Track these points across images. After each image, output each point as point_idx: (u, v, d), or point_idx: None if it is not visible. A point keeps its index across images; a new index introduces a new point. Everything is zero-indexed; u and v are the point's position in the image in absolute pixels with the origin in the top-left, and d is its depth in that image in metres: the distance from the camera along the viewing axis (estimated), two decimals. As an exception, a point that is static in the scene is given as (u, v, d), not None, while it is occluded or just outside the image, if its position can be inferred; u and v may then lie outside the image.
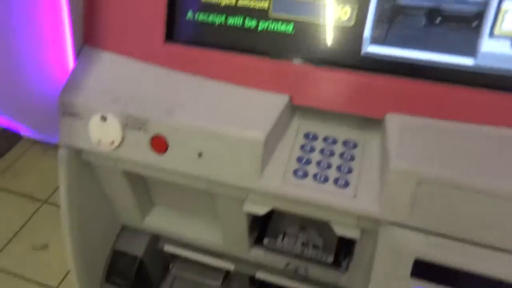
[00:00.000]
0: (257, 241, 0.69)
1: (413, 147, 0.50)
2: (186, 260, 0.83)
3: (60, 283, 1.36)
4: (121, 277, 0.76)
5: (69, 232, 0.68)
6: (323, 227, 0.69)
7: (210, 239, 0.73)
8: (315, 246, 0.66)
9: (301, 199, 0.54)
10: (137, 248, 0.77)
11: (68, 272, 1.42)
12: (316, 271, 0.68)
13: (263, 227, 0.70)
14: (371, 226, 0.54)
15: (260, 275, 0.76)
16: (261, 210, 0.58)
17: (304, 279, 0.74)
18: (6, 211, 1.57)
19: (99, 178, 0.70)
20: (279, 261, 0.69)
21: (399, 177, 0.49)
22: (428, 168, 0.48)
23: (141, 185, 0.72)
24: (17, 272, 1.38)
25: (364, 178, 0.54)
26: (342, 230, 0.55)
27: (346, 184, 0.53)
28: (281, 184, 0.54)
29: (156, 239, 0.81)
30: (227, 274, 0.83)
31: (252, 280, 0.82)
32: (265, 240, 0.68)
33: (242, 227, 0.65)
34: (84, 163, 0.66)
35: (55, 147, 1.81)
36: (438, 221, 0.49)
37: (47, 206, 1.59)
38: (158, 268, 0.86)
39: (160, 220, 0.75)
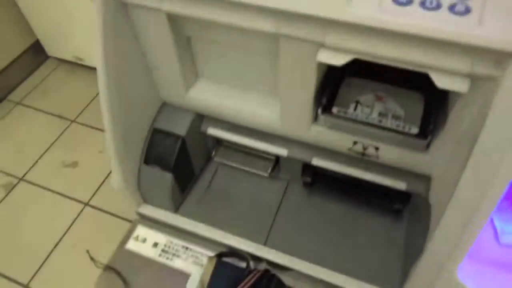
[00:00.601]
0: (323, 111, 0.58)
1: None
2: (230, 148, 0.75)
3: (90, 199, 1.35)
4: (162, 158, 0.68)
5: (106, 103, 0.59)
6: (405, 95, 0.58)
7: (263, 116, 0.62)
8: (395, 117, 0.56)
9: (404, 31, 0.41)
10: (179, 127, 0.68)
11: (98, 188, 1.40)
12: (389, 151, 0.57)
13: (329, 99, 0.58)
14: (491, 72, 0.41)
15: (317, 161, 0.66)
16: (341, 58, 0.47)
17: (370, 165, 0.65)
18: (35, 129, 1.55)
19: (139, 33, 0.60)
20: (345, 139, 0.59)
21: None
22: None
23: (186, 48, 0.61)
24: (48, 186, 1.38)
25: (491, 3, 0.40)
26: (446, 80, 0.43)
27: (467, 10, 0.41)
28: (377, 12, 0.41)
29: (199, 120, 0.72)
30: (275, 163, 0.75)
31: (305, 169, 0.73)
32: (334, 109, 0.57)
33: (306, 92, 0.54)
34: (122, 5, 0.55)
35: (81, 66, 1.75)
36: None
37: (76, 125, 1.56)
38: (200, 155, 0.78)
39: (205, 95, 0.65)
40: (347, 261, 0.67)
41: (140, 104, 0.66)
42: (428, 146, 0.55)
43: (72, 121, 1.59)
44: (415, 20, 0.41)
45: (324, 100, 0.55)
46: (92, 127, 1.56)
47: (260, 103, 0.63)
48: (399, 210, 0.67)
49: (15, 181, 1.41)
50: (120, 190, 0.68)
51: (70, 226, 1.30)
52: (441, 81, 0.44)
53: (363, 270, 0.65)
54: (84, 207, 1.34)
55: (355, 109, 0.56)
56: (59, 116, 1.61)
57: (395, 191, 0.68)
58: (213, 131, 0.71)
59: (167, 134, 0.68)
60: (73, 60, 1.67)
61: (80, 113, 1.61)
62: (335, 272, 0.65)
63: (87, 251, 0.71)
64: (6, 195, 1.37)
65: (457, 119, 0.50)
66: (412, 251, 0.63)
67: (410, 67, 0.45)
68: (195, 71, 0.66)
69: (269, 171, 0.73)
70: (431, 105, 0.55)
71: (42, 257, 1.22)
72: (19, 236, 1.26)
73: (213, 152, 0.76)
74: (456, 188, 0.46)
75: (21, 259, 1.20)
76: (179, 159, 0.68)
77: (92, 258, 0.69)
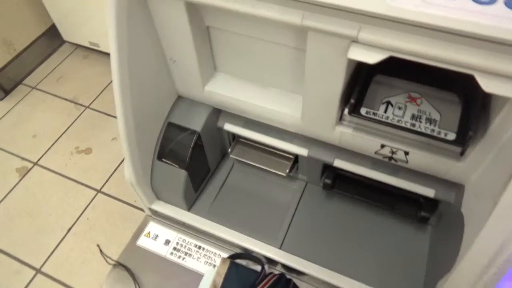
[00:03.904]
0: (350, 111, 0.53)
1: None
2: (247, 144, 0.71)
3: (102, 186, 1.34)
4: (176, 154, 0.65)
5: (119, 93, 0.56)
6: (440, 96, 0.54)
7: (284, 113, 0.58)
8: (430, 120, 0.51)
9: (452, 28, 0.36)
10: (195, 122, 0.64)
11: (111, 176, 1.40)
12: (420, 156, 0.53)
13: (357, 98, 0.53)
14: None
15: (340, 163, 0.62)
16: (375, 56, 0.42)
17: (396, 170, 0.60)
18: (50, 114, 1.55)
19: (156, 22, 0.56)
20: (372, 142, 0.55)
21: None
22: None
23: (205, 39, 0.58)
24: (62, 172, 1.38)
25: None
26: (495, 84, 0.38)
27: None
28: (422, 5, 0.36)
29: (215, 116, 0.68)
30: (294, 163, 0.71)
31: (326, 171, 0.69)
32: (363, 110, 0.52)
33: (333, 90, 0.50)
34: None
35: (96, 52, 1.72)
36: None
37: (90, 112, 1.55)
38: (216, 151, 0.74)
39: (223, 89, 0.61)
40: (366, 268, 0.63)
41: (154, 96, 0.63)
42: (463, 153, 0.51)
43: (87, 107, 1.58)
44: (465, 15, 0.36)
45: (352, 100, 0.51)
46: (106, 114, 1.54)
47: (281, 100, 0.59)
48: (425, 219, 0.63)
49: (29, 165, 1.41)
50: (132, 185, 0.65)
51: (82, 213, 1.30)
52: (488, 85, 0.39)
53: (383, 279, 0.62)
54: (96, 194, 1.33)
55: (385, 110, 0.52)
56: (74, 102, 1.59)
57: (421, 198, 0.64)
58: (230, 127, 0.67)
59: (182, 129, 0.65)
60: (88, 45, 1.65)
61: (95, 99, 1.60)
62: (353, 279, 0.62)
63: (98, 246, 0.70)
64: (21, 179, 1.37)
65: (501, 126, 0.45)
66: (438, 262, 0.59)
67: (453, 68, 0.40)
68: (213, 63, 0.62)
69: (287, 170, 0.69)
70: (469, 108, 0.50)
71: (54, 242, 1.22)
72: (32, 221, 1.26)
73: (229, 149, 0.73)
74: (499, 201, 0.42)
75: (34, 244, 1.21)
76: (194, 156, 0.65)
77: (102, 252, 0.68)
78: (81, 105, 1.58)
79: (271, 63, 0.57)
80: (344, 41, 0.43)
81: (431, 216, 0.63)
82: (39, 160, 1.42)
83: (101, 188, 1.35)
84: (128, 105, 0.57)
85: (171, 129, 0.65)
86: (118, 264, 0.67)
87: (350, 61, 0.46)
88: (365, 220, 0.68)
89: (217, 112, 0.68)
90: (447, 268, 0.52)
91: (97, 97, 1.60)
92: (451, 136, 0.49)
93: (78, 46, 1.74)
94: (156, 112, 0.65)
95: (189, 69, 0.59)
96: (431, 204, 0.63)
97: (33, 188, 1.35)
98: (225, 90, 0.61)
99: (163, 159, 0.66)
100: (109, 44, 0.53)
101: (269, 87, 0.61)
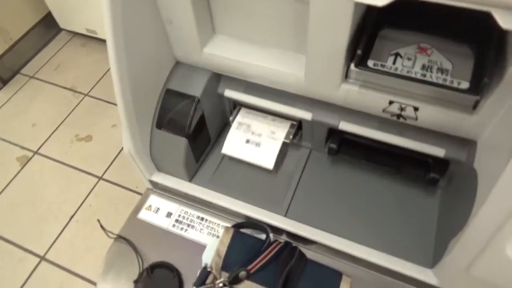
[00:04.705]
0: (357, 64, 0.50)
1: None
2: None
3: (104, 173, 1.33)
4: (175, 122, 0.63)
5: (113, 54, 0.54)
6: (452, 47, 0.51)
7: (286, 73, 0.56)
8: (441, 70, 0.48)
9: None
10: (194, 88, 0.62)
11: (112, 162, 1.38)
12: (430, 111, 0.50)
13: (363, 51, 0.51)
14: None
15: (345, 125, 0.60)
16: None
17: (404, 130, 0.58)
18: (49, 103, 1.54)
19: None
20: (379, 99, 0.52)
21: None
22: None
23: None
24: (62, 160, 1.37)
25: None
26: None
27: None
28: None
29: (215, 81, 0.66)
30: (298, 129, 0.69)
31: (331, 135, 0.66)
32: (370, 62, 0.50)
33: (338, 43, 0.48)
34: None
35: (93, 39, 1.71)
36: None
37: (89, 99, 1.54)
38: (217, 119, 0.72)
39: (222, 51, 0.59)
40: (374, 234, 0.61)
41: (151, 62, 0.60)
42: (476, 104, 0.48)
43: (86, 95, 1.56)
44: None
45: (359, 51, 0.48)
46: (105, 101, 1.53)
47: (283, 60, 0.57)
48: (435, 180, 0.61)
49: (30, 154, 1.40)
50: (131, 155, 0.63)
51: (84, 200, 1.29)
52: (506, 20, 0.37)
53: (392, 244, 0.60)
54: (98, 181, 1.32)
55: (394, 62, 0.49)
56: (72, 90, 1.58)
57: (430, 158, 0.61)
58: (230, 93, 0.65)
59: (181, 95, 0.63)
60: (85, 32, 1.63)
61: (93, 87, 1.58)
62: (361, 245, 0.60)
63: (98, 220, 0.68)
64: (22, 168, 1.36)
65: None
66: (449, 222, 0.57)
67: (468, 5, 0.37)
68: (212, 24, 0.60)
69: (290, 137, 0.67)
70: (483, 57, 0.48)
71: (58, 230, 1.21)
72: (35, 209, 1.26)
73: (231, 117, 0.71)
74: None
75: (37, 232, 1.20)
76: (194, 123, 0.63)
77: (102, 227, 0.66)
78: (80, 93, 1.56)
79: (272, 21, 0.55)
80: None
81: (441, 178, 0.61)
82: (39, 148, 1.41)
83: (102, 175, 1.33)
84: (124, 72, 0.55)
85: (170, 96, 0.63)
86: (119, 238, 0.65)
87: (357, 7, 0.44)
88: (372, 185, 0.66)
89: (217, 78, 0.66)
90: (459, 226, 0.50)
91: (95, 84, 1.58)
92: (465, 85, 0.47)
93: (75, 34, 1.72)
94: (154, 79, 0.63)
95: (186, 29, 0.57)
96: (441, 164, 0.61)
97: (34, 176, 1.34)
98: (225, 51, 0.59)
99: (163, 128, 0.64)
100: (102, 4, 0.51)
101: (271, 47, 0.58)
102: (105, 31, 0.51)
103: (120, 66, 0.54)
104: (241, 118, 0.70)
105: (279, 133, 0.67)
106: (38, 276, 1.11)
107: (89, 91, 1.57)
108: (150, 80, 0.62)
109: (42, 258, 1.15)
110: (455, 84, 0.47)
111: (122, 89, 0.56)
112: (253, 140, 0.68)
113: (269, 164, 0.66)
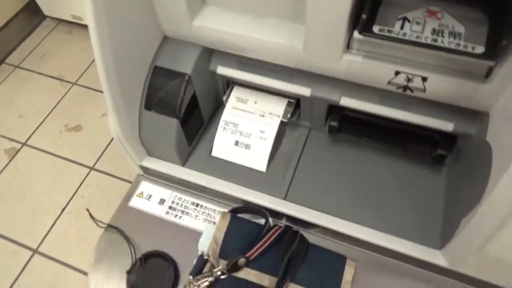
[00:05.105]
0: (361, 30, 0.46)
1: None
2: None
3: (95, 163, 1.29)
4: (165, 101, 0.59)
5: (94, 30, 0.49)
6: (464, 9, 0.47)
7: (283, 44, 0.52)
8: (454, 34, 0.44)
9: None
10: (184, 65, 0.58)
11: (103, 152, 1.34)
12: (440, 81, 0.47)
13: (368, 16, 0.46)
14: None
15: (347, 101, 0.57)
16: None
17: (409, 104, 0.55)
18: (36, 93, 1.49)
19: None
20: (384, 70, 0.48)
21: None
22: None
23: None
24: (52, 151, 1.32)
25: None
26: None
27: None
28: None
29: (206, 58, 0.61)
30: (296, 107, 0.65)
31: (332, 112, 0.63)
32: (375, 28, 0.45)
33: (340, 9, 0.43)
34: None
35: (79, 26, 1.64)
36: None
37: (77, 88, 1.48)
38: (210, 99, 0.68)
39: (213, 23, 0.55)
40: (379, 215, 0.58)
41: (137, 38, 0.56)
42: (489, 74, 0.45)
43: (73, 84, 1.51)
44: None
45: (364, 15, 0.44)
46: (94, 90, 1.47)
47: (279, 30, 0.53)
48: (442, 157, 0.57)
49: (18, 146, 1.35)
50: (119, 139, 0.59)
51: (76, 191, 1.25)
52: None
53: (397, 225, 0.57)
54: (89, 171, 1.28)
55: (402, 27, 0.45)
56: (60, 79, 1.52)
57: (436, 134, 0.58)
58: (223, 70, 0.61)
59: (170, 72, 0.58)
60: (71, 19, 1.56)
61: (81, 75, 1.53)
62: (365, 227, 0.57)
63: (87, 210, 0.64)
64: (10, 161, 1.32)
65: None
66: (459, 202, 0.54)
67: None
68: (201, -4, 0.55)
69: (288, 116, 0.63)
70: (498, 19, 0.44)
71: (50, 222, 1.18)
72: (26, 202, 1.22)
73: (224, 97, 0.66)
74: None
75: (29, 225, 1.17)
76: (185, 102, 0.59)
77: (92, 217, 0.62)
78: (67, 81, 1.51)
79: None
80: None
81: (449, 154, 0.58)
82: (27, 140, 1.36)
83: (93, 165, 1.29)
84: (107, 48, 0.50)
85: (158, 74, 0.58)
86: (110, 227, 0.62)
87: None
88: (375, 164, 0.63)
89: (209, 54, 0.61)
90: (472, 204, 0.47)
91: (83, 73, 1.52)
92: (479, 49, 0.43)
93: (60, 21, 1.65)
94: (140, 56, 0.58)
95: (174, 2, 0.52)
96: (448, 140, 0.57)
97: (24, 169, 1.30)
98: (216, 23, 0.55)
99: (152, 109, 0.60)
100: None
101: (266, 17, 0.54)
102: (84, 2, 0.47)
103: (103, 42, 0.49)
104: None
105: (269, 132, 0.64)
106: (31, 269, 1.08)
107: (77, 80, 1.51)
108: (136, 57, 0.57)
109: (35, 251, 1.12)
110: (469, 49, 0.43)
111: (105, 67, 0.51)
112: (242, 142, 0.65)
113: (262, 167, 0.64)
